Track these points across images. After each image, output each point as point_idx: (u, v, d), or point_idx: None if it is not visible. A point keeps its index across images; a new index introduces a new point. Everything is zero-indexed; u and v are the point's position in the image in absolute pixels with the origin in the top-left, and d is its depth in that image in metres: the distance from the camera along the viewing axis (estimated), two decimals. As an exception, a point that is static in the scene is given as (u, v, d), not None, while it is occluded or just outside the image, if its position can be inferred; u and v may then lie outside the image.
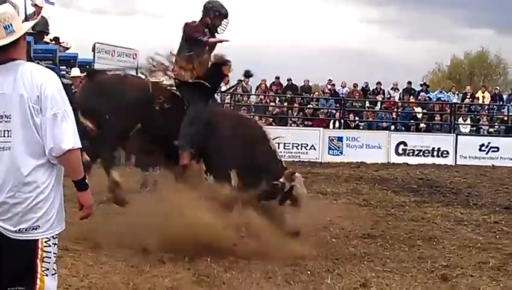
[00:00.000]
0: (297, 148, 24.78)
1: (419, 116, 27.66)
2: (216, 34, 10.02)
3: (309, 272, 8.18)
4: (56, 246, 4.67)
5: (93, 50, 23.09)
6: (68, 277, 7.39)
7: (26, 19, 17.10)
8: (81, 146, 4.63)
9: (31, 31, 16.79)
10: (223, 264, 8.32)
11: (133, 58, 23.77)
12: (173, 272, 7.85)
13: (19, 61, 4.64)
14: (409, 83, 29.74)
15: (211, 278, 7.72)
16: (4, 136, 4.53)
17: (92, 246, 8.69)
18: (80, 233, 8.50)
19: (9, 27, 4.60)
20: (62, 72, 17.45)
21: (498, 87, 35.30)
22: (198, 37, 9.72)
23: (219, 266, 8.21)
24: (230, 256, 8.63)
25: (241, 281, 7.68)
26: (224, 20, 10.03)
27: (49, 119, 4.50)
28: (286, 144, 24.41)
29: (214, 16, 9.96)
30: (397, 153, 25.09)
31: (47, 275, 4.58)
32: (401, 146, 25.24)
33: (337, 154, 24.86)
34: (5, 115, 4.53)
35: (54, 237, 4.64)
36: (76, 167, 4.68)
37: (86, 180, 4.76)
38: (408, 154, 25.10)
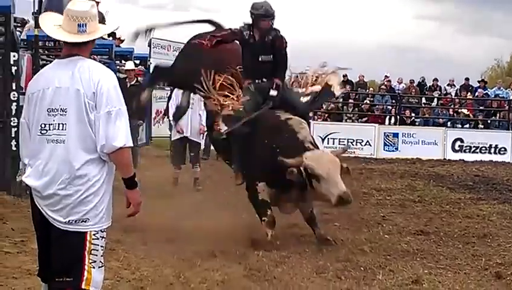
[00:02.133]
0: (353, 144, 24.58)
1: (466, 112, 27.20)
2: None
3: (361, 268, 8.12)
4: (104, 239, 4.75)
5: (149, 45, 23.27)
6: (120, 269, 7.48)
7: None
8: (132, 145, 4.70)
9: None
10: (274, 258, 8.34)
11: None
12: (224, 266, 7.88)
13: (79, 57, 4.71)
14: (467, 79, 29.29)
15: (262, 272, 7.72)
16: (59, 129, 4.61)
17: (143, 239, 8.79)
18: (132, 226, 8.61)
19: (82, 26, 4.66)
20: (117, 67, 17.61)
21: (558, 84, 34.49)
22: None
23: (270, 261, 8.22)
24: (281, 251, 8.65)
25: (292, 276, 7.66)
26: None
27: (103, 116, 4.58)
28: (341, 140, 24.35)
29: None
30: (453, 150, 24.76)
31: (94, 268, 4.66)
32: (458, 143, 24.92)
33: (393, 151, 24.65)
34: (61, 109, 4.61)
35: (102, 230, 4.73)
36: (126, 165, 4.76)
37: (136, 179, 4.83)
38: (465, 151, 24.74)
